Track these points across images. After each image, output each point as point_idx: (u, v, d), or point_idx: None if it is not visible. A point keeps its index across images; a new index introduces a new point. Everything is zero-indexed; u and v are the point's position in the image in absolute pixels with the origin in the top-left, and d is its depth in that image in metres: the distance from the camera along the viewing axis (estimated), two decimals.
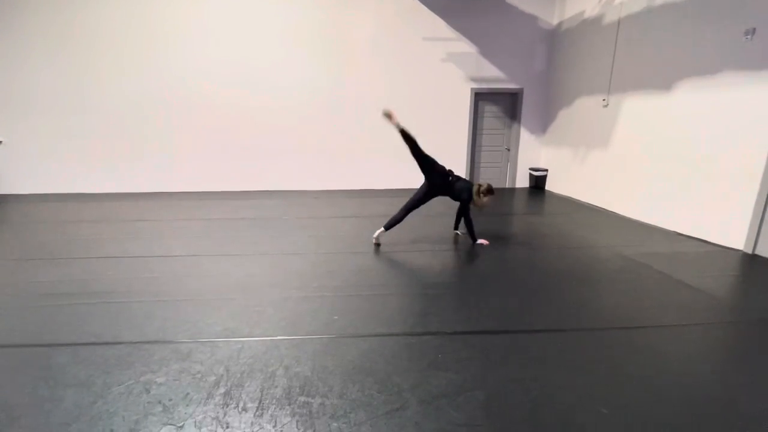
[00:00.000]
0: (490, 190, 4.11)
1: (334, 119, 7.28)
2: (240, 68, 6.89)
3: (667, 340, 2.45)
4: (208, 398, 1.91)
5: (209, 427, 1.73)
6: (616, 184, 5.78)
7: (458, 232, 4.65)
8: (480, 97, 7.53)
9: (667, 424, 1.76)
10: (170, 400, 1.89)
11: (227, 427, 1.73)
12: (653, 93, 5.11)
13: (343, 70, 7.11)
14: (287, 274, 3.49)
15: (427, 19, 7.05)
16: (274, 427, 1.74)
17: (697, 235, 4.52)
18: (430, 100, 7.37)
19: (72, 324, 2.60)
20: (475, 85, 7.39)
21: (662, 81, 4.96)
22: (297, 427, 1.73)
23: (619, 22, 5.66)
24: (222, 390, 1.96)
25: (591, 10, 6.28)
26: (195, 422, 1.76)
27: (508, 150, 7.88)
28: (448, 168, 4.24)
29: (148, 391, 1.96)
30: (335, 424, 1.75)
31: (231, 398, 1.91)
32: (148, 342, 2.38)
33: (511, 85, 7.47)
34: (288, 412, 1.82)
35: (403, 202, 4.29)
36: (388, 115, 3.96)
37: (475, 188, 4.12)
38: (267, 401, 1.89)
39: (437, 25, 7.08)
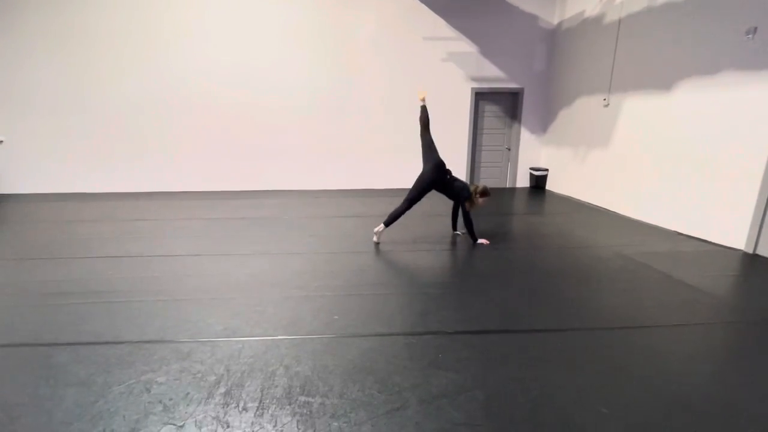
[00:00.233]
0: (486, 192, 4.22)
1: (335, 119, 7.28)
2: (240, 68, 6.89)
3: (668, 340, 2.45)
4: (208, 398, 1.91)
5: (209, 427, 1.73)
6: (617, 183, 5.77)
7: (458, 232, 4.65)
8: (480, 97, 7.53)
9: (668, 425, 1.76)
10: (171, 399, 1.89)
11: (227, 427, 1.73)
12: (654, 92, 5.10)
13: (343, 69, 7.11)
14: (288, 273, 3.49)
15: (427, 18, 7.04)
16: (274, 426, 1.74)
17: (698, 235, 4.52)
18: (430, 100, 7.24)
19: (72, 323, 2.60)
20: (475, 85, 7.39)
21: (663, 80, 4.95)
22: (297, 427, 1.73)
23: (619, 21, 5.65)
24: (222, 389, 1.97)
25: (591, 9, 6.28)
26: (195, 422, 1.76)
27: (509, 149, 7.87)
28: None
29: (148, 390, 1.96)
30: (336, 424, 1.75)
31: (231, 398, 1.91)
32: (148, 341, 2.39)
33: (512, 85, 7.47)
34: (288, 412, 1.82)
35: None
36: (422, 97, 4.47)
37: (471, 189, 4.20)
38: (267, 401, 1.89)
39: (438, 24, 7.08)
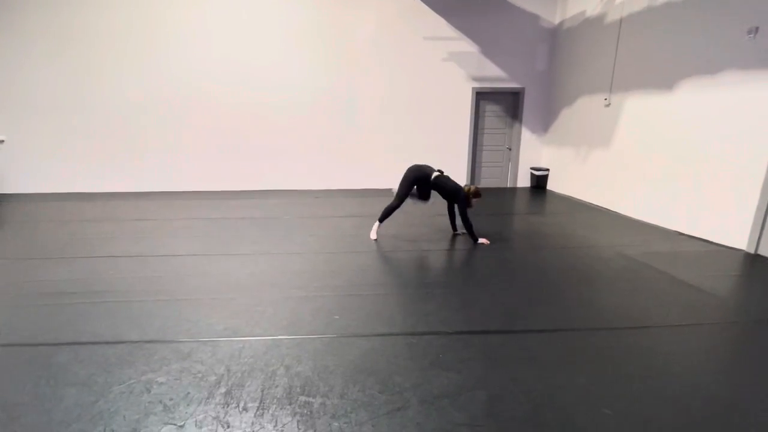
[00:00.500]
0: (477, 194, 4.31)
1: (335, 119, 7.27)
2: (241, 68, 6.89)
3: (670, 341, 2.45)
4: (208, 398, 1.90)
5: (210, 427, 1.73)
6: (618, 183, 5.76)
7: (458, 232, 4.64)
8: (481, 97, 7.52)
9: (670, 425, 1.75)
10: (171, 399, 1.89)
11: (228, 427, 1.73)
12: (655, 92, 5.09)
13: (344, 69, 7.10)
14: (288, 273, 3.49)
15: (428, 18, 7.03)
16: (274, 426, 1.74)
17: (699, 235, 4.51)
18: (431, 100, 7.37)
19: (73, 323, 2.60)
20: (476, 85, 7.38)
21: (664, 80, 4.94)
22: (298, 427, 1.73)
23: (620, 21, 5.64)
24: (223, 389, 1.96)
25: (593, 9, 6.27)
26: (196, 422, 1.75)
27: (510, 149, 7.86)
28: (437, 168, 4.37)
29: (149, 390, 1.95)
30: (336, 424, 1.74)
31: (232, 398, 1.91)
32: (149, 341, 2.38)
33: (513, 85, 7.46)
34: (289, 412, 1.82)
35: None
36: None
37: (465, 189, 4.28)
38: (268, 401, 1.89)
39: (438, 24, 7.07)
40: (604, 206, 6.05)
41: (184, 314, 2.71)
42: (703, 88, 4.45)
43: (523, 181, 7.90)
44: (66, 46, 6.52)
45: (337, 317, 2.70)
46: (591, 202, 6.36)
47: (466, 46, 7.19)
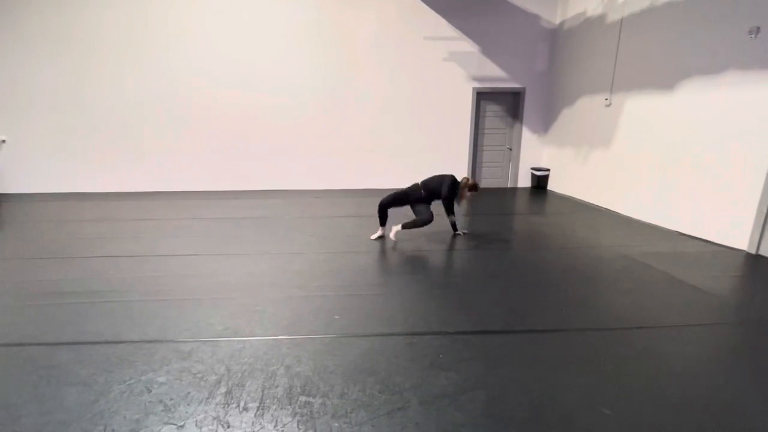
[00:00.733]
0: (475, 187, 4.32)
1: (336, 119, 7.27)
2: (242, 68, 6.89)
3: (670, 341, 2.44)
4: (209, 398, 1.90)
5: (210, 427, 1.73)
6: (619, 183, 5.76)
7: (459, 232, 4.64)
8: (482, 97, 7.51)
9: (671, 426, 1.75)
10: (171, 399, 1.89)
11: (228, 427, 1.73)
12: (656, 92, 5.09)
13: (344, 69, 7.10)
14: (288, 273, 3.49)
15: (428, 18, 7.03)
16: (275, 426, 1.74)
17: (700, 235, 4.50)
18: (431, 100, 7.36)
19: (74, 323, 2.60)
20: (477, 85, 7.37)
21: (665, 80, 4.93)
22: (298, 427, 1.73)
23: (621, 21, 5.64)
24: (223, 389, 1.96)
25: (593, 9, 6.26)
26: (196, 422, 1.75)
27: (510, 149, 7.86)
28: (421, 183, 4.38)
29: (149, 390, 1.96)
30: (336, 424, 1.74)
31: (232, 398, 1.91)
32: (149, 341, 2.39)
33: (513, 85, 7.46)
34: (289, 412, 1.82)
35: None
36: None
37: (462, 181, 4.30)
38: (268, 401, 1.89)
39: (439, 24, 7.07)
40: (604, 206, 6.04)
41: (184, 314, 2.72)
42: (704, 89, 4.44)
43: (524, 181, 7.89)
44: (67, 47, 6.53)
45: (337, 317, 2.70)
46: (591, 202, 6.35)
47: (466, 46, 7.19)
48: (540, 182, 7.63)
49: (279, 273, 3.50)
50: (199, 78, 6.84)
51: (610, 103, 5.89)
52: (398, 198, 4.34)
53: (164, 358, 2.21)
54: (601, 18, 6.10)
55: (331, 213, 5.68)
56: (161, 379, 2.03)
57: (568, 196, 6.96)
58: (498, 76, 7.37)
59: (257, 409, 1.83)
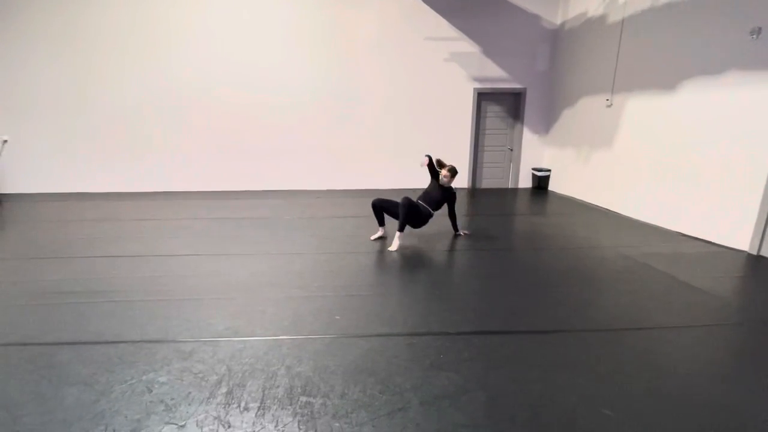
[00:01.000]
0: (452, 171, 4.31)
1: (336, 119, 7.28)
2: (242, 68, 6.90)
3: (671, 342, 2.44)
4: (209, 398, 1.91)
5: (211, 427, 1.73)
6: (620, 184, 5.75)
7: (460, 233, 4.64)
8: (483, 97, 7.51)
9: (671, 427, 1.75)
10: (172, 399, 1.90)
11: (229, 427, 1.73)
12: (657, 93, 5.08)
13: (345, 69, 7.11)
14: (289, 273, 3.49)
15: (429, 18, 7.04)
16: (275, 426, 1.74)
17: (701, 236, 4.49)
18: (432, 100, 7.36)
19: (75, 323, 2.60)
20: (477, 85, 7.38)
21: (666, 81, 4.93)
22: (298, 427, 1.73)
23: (622, 21, 5.63)
24: (224, 389, 1.97)
25: (595, 9, 6.26)
26: (197, 421, 1.76)
27: (511, 150, 7.86)
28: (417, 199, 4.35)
29: (150, 390, 1.96)
30: (337, 425, 1.74)
31: (233, 398, 1.91)
32: (150, 341, 2.39)
33: (514, 85, 7.45)
34: (289, 412, 1.82)
35: None
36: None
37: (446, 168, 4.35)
38: (269, 401, 1.89)
39: (440, 24, 7.07)
40: (605, 207, 6.04)
41: (185, 314, 2.72)
42: (706, 89, 4.44)
43: (525, 181, 7.89)
44: (68, 47, 6.54)
45: (338, 317, 2.70)
46: (592, 202, 6.35)
47: (467, 46, 7.19)
48: (541, 183, 7.63)
49: (279, 273, 3.50)
50: (199, 78, 6.85)
51: (611, 104, 5.89)
52: (393, 205, 4.27)
53: (165, 358, 2.21)
54: (602, 18, 6.10)
55: (332, 213, 5.68)
56: (162, 379, 2.03)
57: (569, 196, 6.95)
58: (499, 77, 7.37)
59: (258, 409, 1.84)
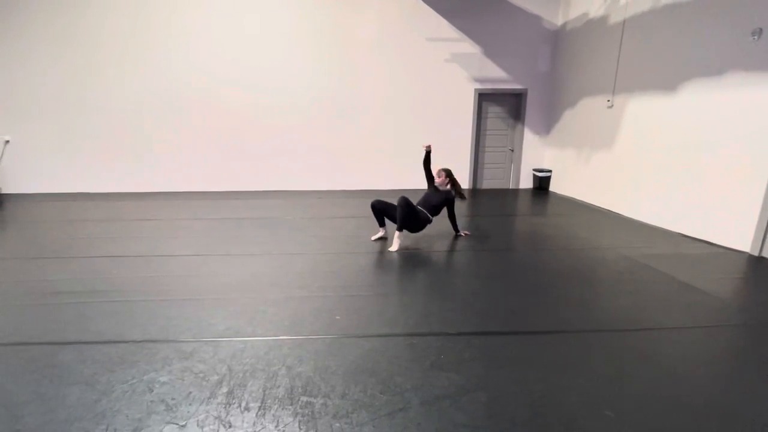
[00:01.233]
0: (445, 170, 4.49)
1: (337, 119, 7.28)
2: (243, 69, 6.91)
3: (672, 343, 2.44)
4: (210, 397, 1.91)
5: (211, 427, 1.73)
6: (621, 185, 5.75)
7: (460, 233, 4.64)
8: (484, 98, 7.52)
9: (671, 428, 1.75)
10: (173, 398, 1.90)
11: (229, 427, 1.73)
12: (658, 94, 5.08)
13: (346, 70, 7.12)
14: (290, 273, 3.49)
15: (430, 19, 7.04)
16: (276, 426, 1.74)
17: (702, 237, 4.49)
18: (433, 101, 7.37)
19: (76, 322, 2.61)
20: (478, 86, 7.38)
21: (667, 82, 4.93)
22: (299, 427, 1.73)
23: (624, 22, 5.63)
24: (224, 389, 1.97)
25: (596, 10, 6.26)
26: (197, 421, 1.76)
27: (512, 151, 7.86)
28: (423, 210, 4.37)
29: (151, 389, 1.96)
30: (337, 425, 1.74)
31: (233, 397, 1.91)
32: (151, 341, 2.39)
33: (515, 86, 7.46)
34: (290, 412, 1.82)
35: None
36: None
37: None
38: (269, 401, 1.89)
39: (441, 25, 7.08)
40: (606, 208, 6.03)
41: (186, 314, 2.72)
42: (707, 90, 4.44)
43: (526, 182, 7.89)
44: (69, 48, 6.56)
45: (338, 318, 2.70)
46: (593, 203, 6.34)
47: (468, 47, 7.19)
48: (542, 183, 7.63)
49: (280, 273, 3.51)
50: (200, 79, 6.87)
51: (612, 105, 5.88)
52: (392, 208, 4.26)
53: (166, 358, 2.22)
54: (603, 19, 6.10)
55: (333, 213, 5.68)
56: (163, 379, 2.04)
57: (570, 197, 6.95)
58: (500, 78, 7.38)
59: (259, 409, 1.84)
